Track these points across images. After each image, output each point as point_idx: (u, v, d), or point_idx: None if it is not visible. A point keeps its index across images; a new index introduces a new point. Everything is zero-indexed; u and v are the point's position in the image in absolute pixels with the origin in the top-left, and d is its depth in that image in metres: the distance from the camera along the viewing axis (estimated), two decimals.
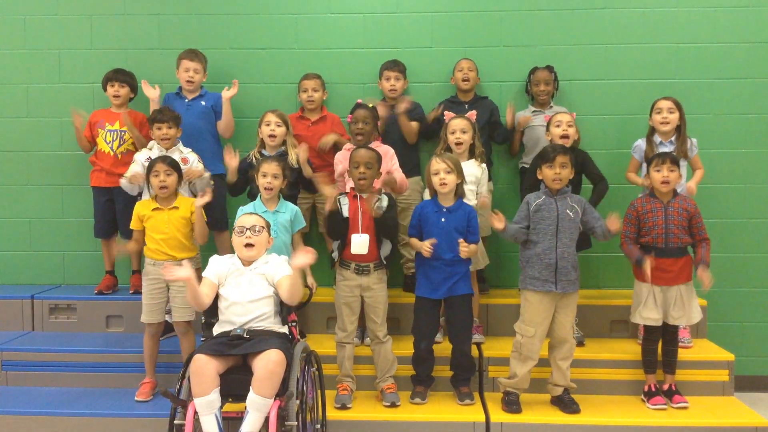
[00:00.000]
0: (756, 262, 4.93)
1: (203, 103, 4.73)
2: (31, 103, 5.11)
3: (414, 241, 3.92)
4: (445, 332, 4.36)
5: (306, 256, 3.31)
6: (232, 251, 3.57)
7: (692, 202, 4.00)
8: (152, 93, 4.68)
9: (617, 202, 4.63)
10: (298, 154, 4.32)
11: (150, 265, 4.00)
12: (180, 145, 4.41)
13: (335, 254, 4.04)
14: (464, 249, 3.79)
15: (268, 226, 3.58)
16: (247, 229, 3.45)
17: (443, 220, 3.86)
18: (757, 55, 4.88)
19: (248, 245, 3.44)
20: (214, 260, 3.51)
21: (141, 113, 4.82)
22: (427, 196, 4.10)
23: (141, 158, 4.36)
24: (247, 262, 3.47)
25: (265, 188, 3.95)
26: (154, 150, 4.38)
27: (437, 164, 3.87)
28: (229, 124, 4.72)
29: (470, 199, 4.16)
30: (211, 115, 4.74)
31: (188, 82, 4.70)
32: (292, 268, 3.37)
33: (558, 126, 4.29)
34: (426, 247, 3.78)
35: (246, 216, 3.57)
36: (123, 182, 4.38)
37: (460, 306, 3.91)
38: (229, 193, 4.37)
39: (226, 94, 4.66)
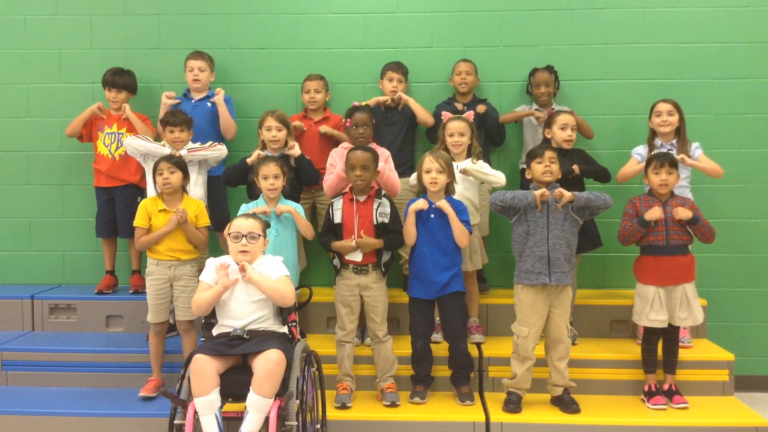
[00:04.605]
0: (756, 262, 4.93)
1: (209, 104, 4.73)
2: (31, 103, 5.11)
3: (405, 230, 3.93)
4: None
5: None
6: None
7: (690, 201, 4.02)
8: (170, 102, 4.65)
9: (617, 203, 4.64)
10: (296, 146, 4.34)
11: (153, 264, 3.99)
12: (189, 145, 4.42)
13: (336, 260, 4.05)
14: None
15: (265, 228, 3.56)
16: (243, 236, 3.42)
17: (432, 216, 3.88)
18: (757, 55, 4.88)
19: (243, 252, 3.42)
20: (211, 263, 3.49)
21: (141, 114, 4.81)
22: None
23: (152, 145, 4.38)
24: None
25: (270, 190, 3.96)
26: (165, 150, 4.38)
27: (430, 163, 3.88)
28: (227, 126, 4.72)
29: (465, 196, 4.18)
30: (216, 116, 4.73)
31: (195, 80, 4.71)
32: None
33: (563, 129, 4.29)
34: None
35: (242, 220, 3.49)
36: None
37: (453, 304, 3.92)
38: (225, 182, 4.38)
39: (216, 99, 4.66)
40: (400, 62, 4.83)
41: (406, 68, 4.82)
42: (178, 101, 4.70)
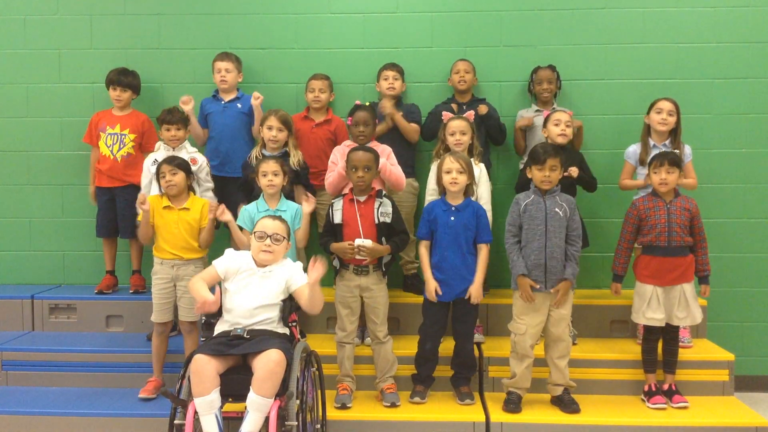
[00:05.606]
0: (756, 262, 4.93)
1: (239, 105, 4.73)
2: (31, 103, 5.11)
3: (427, 274, 3.92)
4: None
5: (318, 269, 3.31)
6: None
7: (693, 202, 4.01)
8: (187, 108, 4.57)
9: (618, 203, 4.66)
10: (299, 157, 4.32)
11: (158, 264, 4.01)
12: (187, 145, 4.42)
13: (336, 262, 4.05)
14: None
15: (289, 232, 3.58)
16: (268, 236, 3.45)
17: (452, 218, 3.87)
18: (757, 55, 4.88)
19: (266, 251, 3.44)
20: (230, 254, 3.51)
21: (143, 114, 4.82)
22: (433, 195, 4.09)
23: (149, 164, 4.37)
24: (261, 264, 3.47)
25: (268, 186, 3.96)
26: (160, 150, 4.38)
27: (450, 163, 3.87)
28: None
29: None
30: (246, 118, 4.72)
31: (222, 81, 4.71)
32: (310, 282, 3.34)
33: (557, 125, 4.29)
34: (432, 291, 3.87)
35: (269, 220, 3.52)
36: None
37: (471, 307, 3.92)
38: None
39: (255, 102, 4.61)
40: (395, 62, 4.82)
41: (401, 67, 4.80)
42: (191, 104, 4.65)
